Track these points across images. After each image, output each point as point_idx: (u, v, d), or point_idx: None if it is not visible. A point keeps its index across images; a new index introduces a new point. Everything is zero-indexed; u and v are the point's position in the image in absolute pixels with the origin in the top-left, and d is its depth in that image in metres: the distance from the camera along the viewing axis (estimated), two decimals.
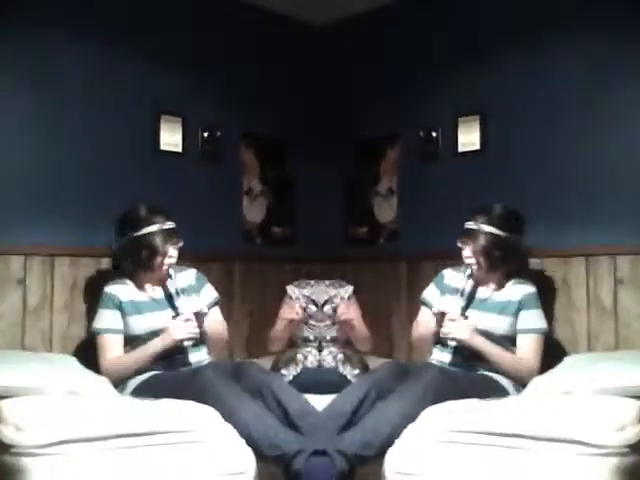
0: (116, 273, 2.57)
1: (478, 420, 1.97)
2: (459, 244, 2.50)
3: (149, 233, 2.47)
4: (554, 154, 3.08)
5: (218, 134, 3.60)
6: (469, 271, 2.50)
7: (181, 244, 2.53)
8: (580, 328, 2.94)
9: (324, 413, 2.16)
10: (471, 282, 2.52)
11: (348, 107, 4.00)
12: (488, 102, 3.33)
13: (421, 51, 3.64)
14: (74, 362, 2.53)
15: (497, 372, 2.38)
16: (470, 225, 2.48)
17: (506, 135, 3.26)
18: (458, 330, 2.36)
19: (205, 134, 3.55)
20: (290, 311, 2.79)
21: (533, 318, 2.44)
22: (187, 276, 2.66)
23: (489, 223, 2.46)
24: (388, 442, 2.01)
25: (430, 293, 2.64)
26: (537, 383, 2.35)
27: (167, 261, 2.49)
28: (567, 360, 2.53)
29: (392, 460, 1.99)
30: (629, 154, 2.87)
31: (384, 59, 3.84)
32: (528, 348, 2.41)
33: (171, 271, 2.56)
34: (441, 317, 2.42)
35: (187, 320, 2.40)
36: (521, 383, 2.39)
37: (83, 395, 2.18)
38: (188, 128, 3.45)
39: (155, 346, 2.40)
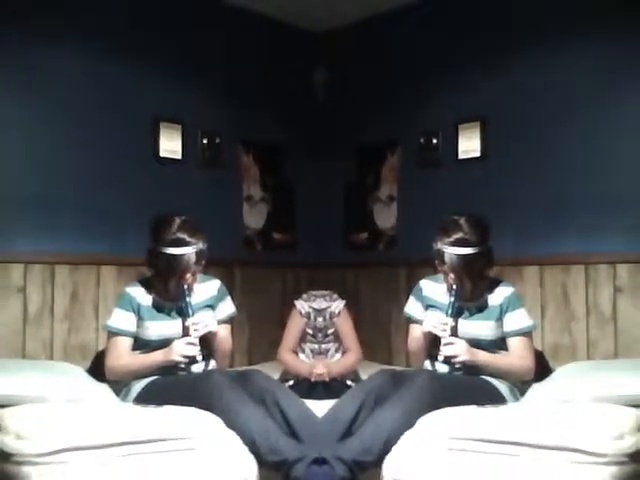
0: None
1: (476, 427, 1.96)
2: (439, 268, 2.41)
3: (170, 253, 2.38)
4: (555, 161, 3.07)
5: (217, 140, 3.60)
6: (453, 290, 2.39)
7: (201, 268, 2.46)
8: (579, 336, 2.92)
9: (323, 421, 2.16)
10: (456, 300, 2.41)
11: (348, 113, 4.00)
12: (489, 108, 3.31)
13: (421, 56, 3.64)
14: (75, 370, 2.53)
15: (493, 376, 2.36)
16: (447, 249, 2.35)
17: (507, 142, 3.24)
18: (458, 352, 2.31)
19: (204, 140, 3.55)
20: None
21: (519, 318, 2.42)
22: (210, 287, 2.59)
23: (465, 243, 2.34)
24: (385, 449, 2.01)
25: (412, 307, 2.57)
26: (536, 391, 2.33)
27: (183, 282, 2.42)
28: (566, 368, 2.52)
29: (390, 467, 1.99)
30: (631, 161, 2.86)
31: (384, 65, 3.83)
32: (521, 349, 2.39)
33: (186, 289, 2.43)
34: (430, 335, 2.38)
35: (189, 343, 2.34)
36: (521, 383, 2.39)
37: (84, 403, 2.18)
38: (187, 134, 3.45)
39: (156, 359, 2.39)
